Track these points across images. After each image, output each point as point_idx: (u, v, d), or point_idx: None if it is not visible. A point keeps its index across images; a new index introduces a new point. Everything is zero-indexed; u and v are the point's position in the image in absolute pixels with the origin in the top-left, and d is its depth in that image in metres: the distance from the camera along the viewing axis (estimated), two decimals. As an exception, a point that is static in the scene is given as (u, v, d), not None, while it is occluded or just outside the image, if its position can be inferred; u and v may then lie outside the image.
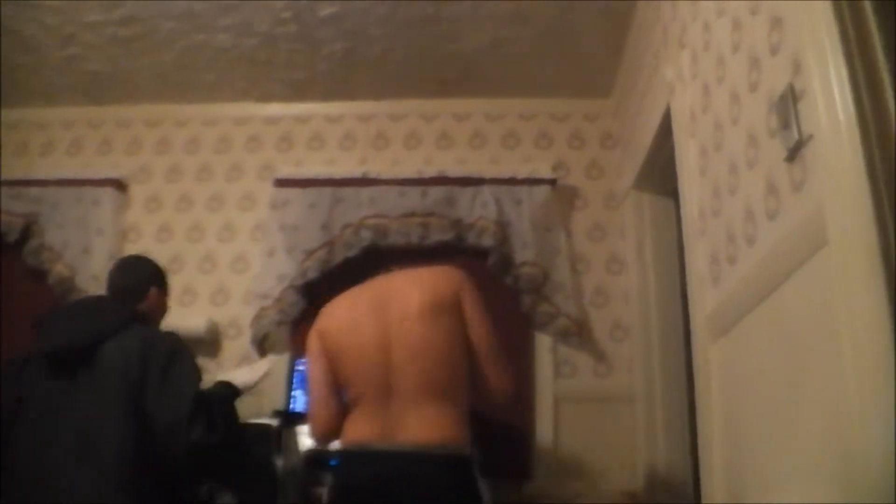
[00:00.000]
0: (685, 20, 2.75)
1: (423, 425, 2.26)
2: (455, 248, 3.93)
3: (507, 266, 3.88)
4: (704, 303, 2.50)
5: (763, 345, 1.97)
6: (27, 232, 4.23)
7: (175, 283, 4.10)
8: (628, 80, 3.91)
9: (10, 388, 2.45)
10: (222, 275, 4.21)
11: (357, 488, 2.28)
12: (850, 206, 1.40)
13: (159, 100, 4.54)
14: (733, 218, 2.18)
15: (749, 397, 2.09)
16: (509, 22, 3.71)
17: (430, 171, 4.15)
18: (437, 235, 3.95)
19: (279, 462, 3.25)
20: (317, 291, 3.98)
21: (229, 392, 2.53)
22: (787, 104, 1.71)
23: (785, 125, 1.73)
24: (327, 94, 4.43)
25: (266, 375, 2.72)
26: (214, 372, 2.66)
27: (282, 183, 4.22)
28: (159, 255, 4.10)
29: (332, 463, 3.21)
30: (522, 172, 4.10)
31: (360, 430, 2.33)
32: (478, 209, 3.99)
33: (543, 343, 3.91)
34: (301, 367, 3.65)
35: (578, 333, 3.87)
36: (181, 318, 3.92)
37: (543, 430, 3.78)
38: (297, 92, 4.41)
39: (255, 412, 3.37)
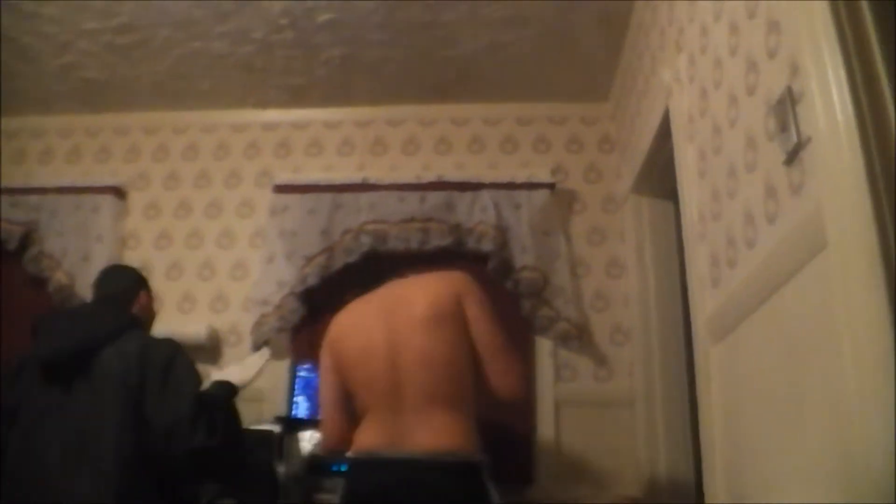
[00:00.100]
0: (682, 23, 2.76)
1: (431, 433, 2.26)
2: (455, 253, 3.93)
3: (506, 270, 3.88)
4: (705, 306, 2.50)
5: (764, 347, 1.97)
6: (27, 240, 4.24)
7: (175, 289, 4.13)
8: (626, 83, 3.91)
9: (7, 392, 2.45)
10: (222, 281, 4.22)
11: (367, 496, 2.28)
12: (849, 209, 1.40)
13: (157, 107, 4.55)
14: (733, 221, 2.18)
15: (750, 399, 2.09)
16: (506, 26, 3.71)
17: (428, 177, 4.15)
18: (437, 241, 3.95)
19: (281, 468, 3.25)
20: (317, 298, 3.99)
21: (228, 392, 2.53)
22: (786, 107, 1.71)
23: (783, 128, 1.73)
24: (325, 100, 4.43)
25: (261, 370, 2.72)
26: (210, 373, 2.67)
27: (281, 189, 4.23)
28: (158, 262, 4.15)
29: (335, 468, 3.23)
30: (521, 177, 4.10)
31: (369, 439, 2.33)
32: (477, 214, 3.99)
33: (544, 347, 3.91)
34: (302, 374, 3.65)
35: (579, 337, 3.87)
36: (181, 324, 3.93)
37: (544, 435, 3.78)
38: (295, 98, 4.42)
39: (257, 418, 3.37)
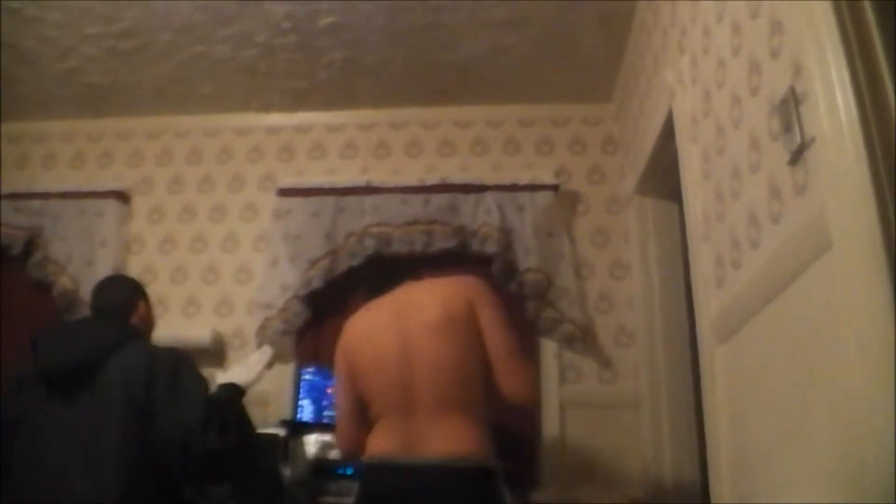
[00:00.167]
0: (685, 24, 2.75)
1: (445, 438, 2.26)
2: (459, 256, 3.93)
3: (510, 273, 3.88)
4: (709, 306, 2.50)
5: (769, 348, 1.96)
6: (30, 245, 4.25)
7: (179, 294, 4.14)
8: (628, 84, 3.91)
9: (9, 406, 2.45)
10: (226, 285, 4.22)
11: (381, 501, 2.28)
12: (853, 209, 1.40)
13: (160, 111, 4.55)
14: (737, 222, 2.18)
15: (755, 400, 2.09)
16: (508, 28, 3.71)
17: (432, 179, 4.15)
18: (441, 243, 3.94)
19: (286, 471, 3.25)
20: (321, 301, 4.00)
21: (235, 393, 2.53)
22: (789, 107, 1.71)
23: (787, 128, 1.73)
24: (328, 104, 4.44)
25: (264, 369, 2.72)
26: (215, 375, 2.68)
27: (284, 192, 4.23)
28: (163, 266, 4.16)
29: (340, 472, 3.23)
30: (524, 179, 4.11)
31: (383, 444, 2.33)
32: (481, 216, 3.99)
33: (548, 349, 3.91)
34: (307, 377, 3.65)
35: (583, 339, 3.87)
36: (186, 329, 3.94)
37: (550, 436, 3.77)
38: (298, 101, 4.42)
39: (262, 422, 3.37)
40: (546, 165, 4.25)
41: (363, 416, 2.47)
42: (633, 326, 3.92)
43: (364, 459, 2.38)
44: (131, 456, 2.30)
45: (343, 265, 4.02)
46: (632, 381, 3.84)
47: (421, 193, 4.08)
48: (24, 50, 3.89)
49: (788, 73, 1.75)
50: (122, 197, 4.38)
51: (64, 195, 4.34)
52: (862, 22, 1.47)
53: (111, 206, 4.31)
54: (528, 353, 3.57)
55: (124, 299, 2.73)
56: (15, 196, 4.32)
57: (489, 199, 4.02)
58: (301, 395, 3.62)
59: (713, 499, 2.44)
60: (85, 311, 3.97)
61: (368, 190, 4.15)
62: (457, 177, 4.19)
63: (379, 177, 4.24)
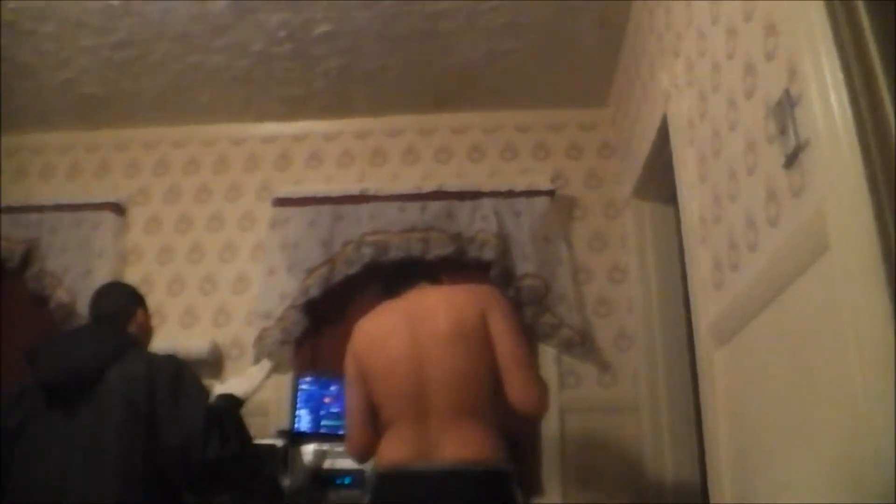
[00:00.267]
0: (679, 28, 2.76)
1: (459, 443, 2.27)
2: (456, 262, 3.93)
3: (508, 279, 3.88)
4: (707, 310, 2.50)
5: (768, 350, 1.96)
6: (28, 257, 4.24)
7: (176, 304, 4.13)
8: (624, 88, 3.92)
9: (9, 415, 2.44)
10: (223, 295, 4.21)
11: None
12: (850, 210, 1.39)
13: (156, 122, 4.55)
14: (734, 224, 2.18)
15: (756, 402, 2.08)
16: (504, 34, 3.71)
17: (429, 186, 4.16)
18: (438, 250, 3.94)
19: (285, 481, 3.24)
20: (319, 309, 3.99)
21: (234, 404, 2.53)
22: (784, 110, 1.71)
23: (782, 131, 1.73)
24: (324, 112, 4.44)
25: (262, 382, 2.72)
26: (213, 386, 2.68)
27: (281, 202, 4.23)
28: (160, 276, 4.15)
29: (339, 481, 3.23)
30: (521, 184, 4.11)
31: (396, 451, 2.33)
32: (478, 222, 3.99)
33: (547, 354, 3.90)
34: (305, 387, 3.64)
35: (582, 344, 3.86)
36: (183, 339, 3.93)
37: (550, 442, 3.77)
38: (294, 110, 4.42)
39: (260, 432, 3.36)
40: (543, 171, 4.25)
41: (374, 423, 2.47)
42: (632, 330, 3.91)
43: (377, 467, 2.38)
44: (132, 464, 2.30)
45: (341, 273, 4.02)
46: (631, 385, 3.83)
47: (418, 201, 4.09)
48: (20, 62, 3.89)
49: (783, 75, 1.75)
50: (119, 208, 4.38)
51: (61, 207, 4.34)
52: (856, 23, 1.46)
53: (108, 217, 4.31)
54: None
55: (122, 307, 2.72)
56: (12, 209, 4.32)
57: (486, 205, 4.03)
58: (299, 405, 3.61)
59: (713, 500, 2.44)
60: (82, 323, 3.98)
61: (365, 198, 4.15)
62: (454, 183, 4.19)
63: (376, 185, 4.24)
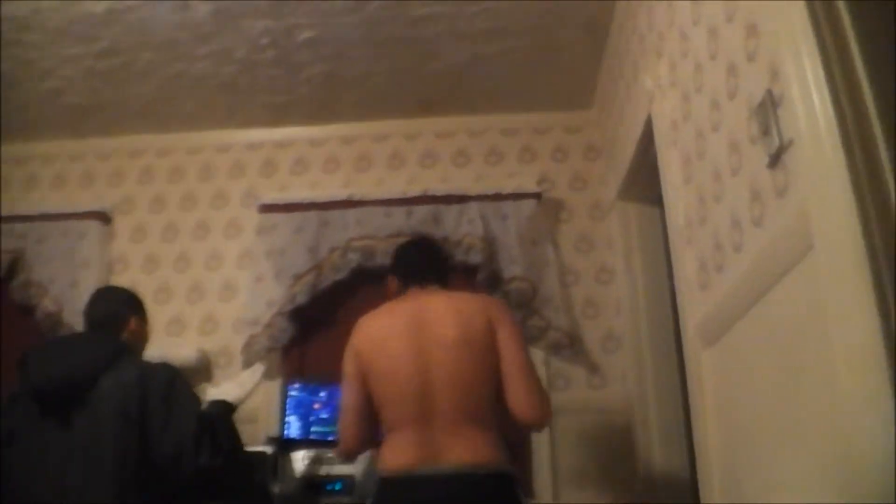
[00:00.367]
0: (661, 29, 2.76)
1: (465, 447, 2.29)
2: (443, 266, 3.92)
3: (496, 282, 3.88)
4: (694, 311, 2.50)
5: (755, 351, 1.97)
6: (13, 268, 4.22)
7: (163, 313, 4.10)
8: (609, 90, 3.93)
9: (2, 424, 2.43)
10: (210, 303, 4.20)
11: None
12: (833, 209, 1.40)
13: (141, 130, 4.53)
14: (719, 225, 2.18)
15: (744, 403, 2.09)
16: (488, 38, 3.72)
17: (414, 191, 4.16)
18: (425, 254, 3.93)
19: (275, 488, 3.24)
20: (306, 316, 3.99)
21: (226, 410, 2.53)
22: (767, 110, 1.71)
23: (765, 131, 1.73)
24: (309, 118, 4.43)
25: (255, 386, 2.72)
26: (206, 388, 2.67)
27: (267, 208, 4.22)
28: (146, 285, 4.12)
29: (329, 488, 3.22)
30: (507, 187, 4.11)
31: (401, 456, 2.32)
32: (464, 226, 3.98)
33: (536, 357, 3.85)
34: (293, 393, 3.63)
35: (570, 346, 3.87)
36: (171, 348, 3.91)
37: (540, 445, 3.76)
38: (279, 116, 4.41)
39: (250, 439, 3.35)
40: (528, 174, 4.25)
41: (369, 422, 2.48)
42: (620, 331, 3.92)
43: (381, 472, 2.37)
44: (127, 471, 2.29)
45: (328, 280, 4.02)
46: (620, 386, 3.84)
47: (404, 205, 4.09)
48: (2, 72, 3.87)
49: (765, 75, 1.75)
50: (104, 217, 4.37)
51: (46, 217, 4.32)
52: (837, 23, 1.47)
53: (93, 227, 4.30)
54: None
55: (114, 314, 2.70)
56: (-4, 219, 4.30)
57: (472, 209, 4.03)
58: (288, 412, 3.60)
59: (703, 500, 2.45)
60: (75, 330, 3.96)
61: (351, 203, 4.14)
62: (439, 188, 4.19)
63: (361, 190, 4.24)
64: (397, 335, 2.45)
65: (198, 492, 2.42)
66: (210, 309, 4.19)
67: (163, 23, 3.56)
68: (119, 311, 2.73)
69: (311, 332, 4.04)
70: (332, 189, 4.31)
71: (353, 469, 3.24)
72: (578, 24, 3.63)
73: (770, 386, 1.86)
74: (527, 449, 3.76)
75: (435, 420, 2.32)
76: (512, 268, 3.90)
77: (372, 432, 2.51)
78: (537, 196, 4.09)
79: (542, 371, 3.84)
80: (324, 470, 3.29)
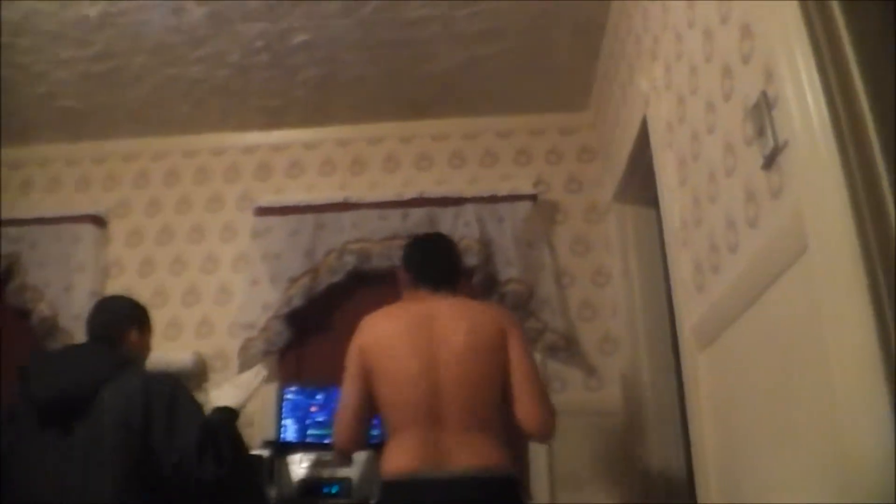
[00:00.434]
0: (656, 31, 2.77)
1: (472, 451, 2.30)
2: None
3: (492, 284, 3.88)
4: (690, 312, 2.50)
5: (750, 352, 1.97)
6: (8, 272, 4.21)
7: (159, 317, 4.05)
8: (604, 92, 3.93)
9: (2, 437, 2.42)
10: (206, 307, 4.20)
11: None
12: (828, 210, 1.40)
13: (136, 134, 4.53)
14: (715, 227, 2.18)
15: (740, 405, 2.09)
16: (482, 40, 3.72)
17: (410, 193, 4.16)
18: (421, 257, 3.93)
19: (272, 492, 3.23)
20: (302, 319, 3.98)
21: (230, 417, 2.52)
22: (762, 111, 1.71)
23: (760, 132, 1.73)
24: (304, 121, 4.43)
25: (256, 389, 2.72)
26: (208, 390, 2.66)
27: (262, 211, 4.22)
28: (142, 289, 4.10)
29: (326, 490, 3.21)
30: (503, 190, 4.11)
31: (406, 459, 2.32)
32: (460, 229, 3.98)
33: (532, 359, 3.89)
34: (290, 396, 3.63)
35: (567, 348, 3.87)
36: (167, 352, 3.90)
37: (537, 447, 3.75)
38: (274, 120, 4.41)
39: (247, 443, 3.35)
40: (524, 176, 4.25)
41: (367, 420, 2.50)
42: (616, 333, 3.92)
43: (385, 474, 2.36)
44: (128, 483, 2.28)
45: (323, 283, 4.01)
46: (617, 388, 3.84)
47: (399, 208, 4.09)
48: (-4, 76, 3.87)
49: (760, 77, 1.75)
50: (100, 221, 4.36)
51: (41, 221, 4.32)
52: (831, 23, 1.47)
53: (88, 230, 4.29)
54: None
55: (114, 326, 2.69)
56: (-8, 223, 4.29)
57: (468, 211, 4.03)
58: (284, 415, 3.60)
59: (700, 501, 2.45)
60: (64, 338, 3.97)
61: (347, 206, 4.14)
62: (435, 190, 4.19)
63: (357, 193, 4.24)
64: (406, 337, 2.45)
65: (202, 501, 2.41)
66: (206, 312, 4.18)
67: (157, 27, 3.55)
68: (119, 323, 2.71)
69: (308, 336, 4.04)
70: (328, 192, 4.31)
71: (350, 472, 3.24)
72: (573, 26, 3.63)
73: (766, 387, 1.86)
74: (524, 451, 3.75)
75: (441, 423, 2.33)
76: (508, 270, 3.90)
77: (368, 433, 2.53)
78: (533, 198, 4.09)
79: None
80: (321, 473, 3.28)
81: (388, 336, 2.49)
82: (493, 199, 4.07)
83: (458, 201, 4.07)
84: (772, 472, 1.85)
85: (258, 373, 2.83)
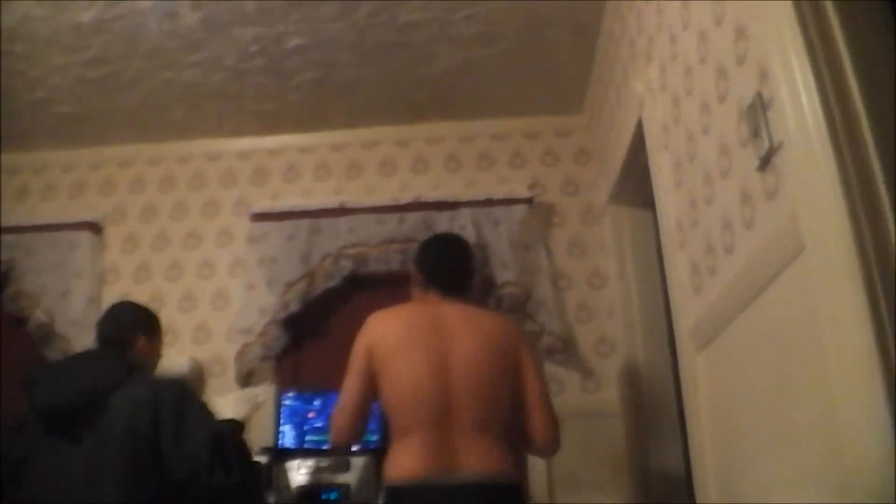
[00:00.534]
0: (651, 33, 2.77)
1: (482, 457, 2.31)
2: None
3: (488, 287, 3.88)
4: (687, 314, 2.50)
5: (748, 353, 1.97)
6: (4, 279, 4.20)
7: (156, 323, 4.07)
8: (599, 94, 3.93)
9: (11, 445, 2.41)
10: (203, 312, 4.19)
11: None
12: (824, 211, 1.40)
13: (131, 140, 4.52)
14: (711, 228, 2.18)
15: (738, 406, 2.09)
16: (477, 44, 3.71)
17: (406, 197, 4.15)
18: (418, 261, 3.93)
19: (271, 499, 3.22)
20: (299, 324, 3.98)
21: (237, 428, 2.52)
22: (756, 113, 1.71)
23: (755, 134, 1.73)
24: (299, 125, 4.42)
25: (258, 407, 2.71)
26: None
27: (258, 217, 4.22)
28: (138, 295, 4.07)
29: (325, 496, 3.20)
30: (499, 193, 4.11)
31: (416, 464, 2.31)
32: (456, 232, 3.97)
33: (530, 362, 3.89)
34: (287, 402, 3.62)
35: (564, 350, 3.87)
36: (164, 358, 3.88)
37: (535, 450, 3.76)
38: (269, 124, 4.40)
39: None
40: (520, 179, 4.25)
41: (366, 417, 2.49)
42: (613, 335, 3.91)
43: (393, 479, 2.35)
44: (135, 492, 2.27)
45: (320, 287, 4.01)
46: (615, 390, 3.83)
47: (396, 212, 4.08)
48: (-10, 83, 3.86)
49: (755, 78, 1.75)
50: (95, 227, 4.35)
51: (37, 228, 4.30)
52: (825, 23, 1.47)
53: (84, 237, 4.28)
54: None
55: (121, 333, 2.68)
56: (-13, 231, 4.27)
57: (464, 214, 4.02)
58: (282, 421, 3.59)
59: (699, 502, 2.45)
60: (61, 344, 3.96)
61: (343, 211, 4.14)
62: (431, 194, 4.19)
63: (353, 197, 4.23)
64: (416, 339, 2.44)
65: None
66: (203, 318, 4.17)
67: (151, 31, 3.54)
68: (127, 329, 2.70)
69: (304, 341, 4.04)
70: (324, 196, 4.31)
71: (349, 478, 3.24)
72: (567, 29, 3.63)
73: (764, 387, 1.86)
74: (521, 454, 3.75)
75: (450, 428, 2.33)
76: (504, 273, 3.90)
77: (365, 429, 2.52)
78: (529, 201, 4.09)
79: (536, 376, 3.85)
80: (320, 479, 3.27)
81: (397, 336, 2.48)
82: (489, 203, 4.07)
83: (453, 205, 4.07)
84: (770, 472, 1.85)
85: (261, 393, 2.84)
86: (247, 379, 3.92)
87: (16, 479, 2.35)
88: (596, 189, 4.18)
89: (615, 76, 3.49)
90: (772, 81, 1.62)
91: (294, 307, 3.95)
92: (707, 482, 2.36)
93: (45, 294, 4.13)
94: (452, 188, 4.25)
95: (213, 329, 4.14)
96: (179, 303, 4.21)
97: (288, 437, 3.55)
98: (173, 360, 3.88)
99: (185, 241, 4.36)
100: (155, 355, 2.81)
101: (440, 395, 2.34)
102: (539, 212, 4.15)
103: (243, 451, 2.45)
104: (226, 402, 2.64)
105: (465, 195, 4.13)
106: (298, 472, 3.28)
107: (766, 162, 1.71)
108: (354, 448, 3.15)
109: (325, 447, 3.40)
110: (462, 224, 3.99)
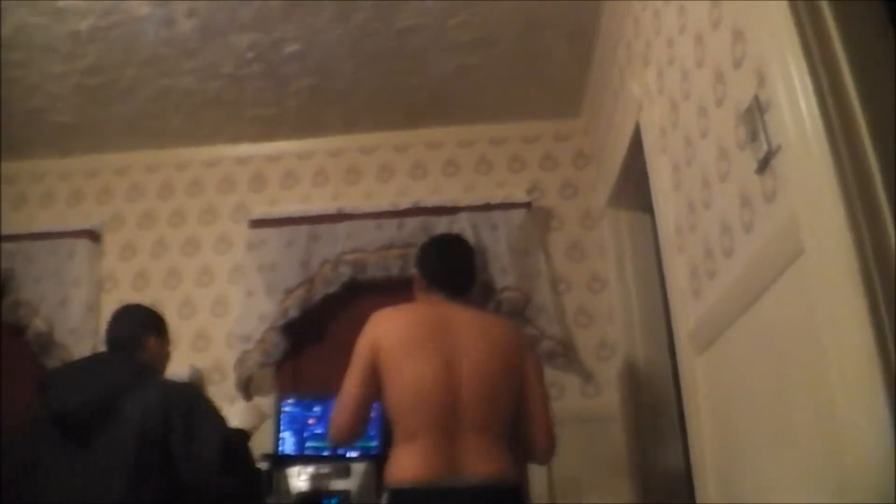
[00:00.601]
0: (648, 37, 2.77)
1: (486, 461, 2.31)
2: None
3: (487, 292, 3.87)
4: (687, 318, 2.50)
5: (748, 356, 1.97)
6: (3, 288, 4.19)
7: (155, 330, 4.07)
8: (596, 98, 3.93)
9: (23, 449, 2.42)
10: (202, 319, 4.18)
11: None
12: (823, 213, 1.40)
13: (129, 147, 4.52)
14: (709, 232, 2.18)
15: (738, 409, 2.09)
16: (474, 48, 3.72)
17: (404, 203, 4.15)
18: (416, 267, 3.93)
19: (271, 505, 3.23)
20: (299, 330, 3.97)
21: (244, 436, 2.54)
22: (754, 116, 1.71)
23: (753, 137, 1.73)
24: (297, 131, 4.42)
25: (264, 419, 2.72)
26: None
27: (257, 223, 4.22)
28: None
29: (325, 503, 3.20)
30: (497, 197, 4.11)
31: (421, 467, 2.30)
32: (456, 234, 3.98)
33: (529, 366, 3.89)
34: (287, 409, 3.62)
35: (564, 355, 3.86)
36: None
37: (535, 455, 3.75)
38: (267, 130, 4.40)
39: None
40: (518, 183, 4.26)
41: (366, 416, 2.48)
42: (613, 339, 3.91)
43: (398, 482, 2.33)
44: (145, 494, 2.28)
45: (319, 293, 4.01)
46: (615, 394, 3.83)
47: (394, 218, 4.08)
48: (-13, 92, 3.86)
49: (752, 81, 1.75)
50: (93, 235, 4.35)
51: (35, 236, 4.30)
52: (821, 26, 1.47)
53: (82, 245, 4.28)
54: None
55: (131, 336, 2.68)
56: (-15, 240, 4.27)
57: (463, 219, 4.02)
58: (282, 428, 3.58)
59: (699, 502, 2.45)
60: (60, 353, 3.95)
61: (341, 217, 4.14)
62: (429, 199, 4.19)
63: (351, 203, 4.23)
64: (424, 341, 2.43)
65: None
66: (202, 325, 4.17)
67: (148, 39, 3.54)
68: (135, 332, 2.70)
69: (304, 347, 4.04)
70: (322, 202, 4.31)
71: (349, 484, 3.23)
72: (564, 33, 3.63)
73: (764, 389, 1.85)
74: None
75: (456, 431, 2.32)
76: (503, 278, 3.90)
77: (366, 427, 2.51)
78: (527, 205, 4.10)
79: (535, 380, 3.85)
80: (320, 485, 3.27)
81: (402, 335, 2.46)
82: (488, 207, 4.07)
83: (452, 210, 4.07)
84: (770, 473, 1.85)
85: (264, 411, 2.86)
86: (246, 386, 3.91)
87: (25, 483, 2.36)
88: (594, 193, 4.18)
89: (612, 80, 3.49)
90: (769, 84, 1.62)
91: (293, 313, 3.95)
92: (707, 484, 2.36)
93: (43, 303, 4.13)
94: (451, 193, 4.25)
95: (213, 336, 4.14)
96: (178, 310, 4.20)
97: (288, 444, 3.55)
98: (173, 367, 3.88)
99: (184, 248, 4.36)
100: (164, 356, 2.83)
101: (446, 399, 2.34)
102: (538, 216, 4.15)
103: (248, 459, 2.47)
104: (234, 412, 2.66)
105: (464, 200, 4.13)
106: (299, 479, 3.28)
107: (764, 165, 1.71)
108: (353, 454, 3.15)
109: (325, 453, 3.39)
110: (461, 229, 3.97)
